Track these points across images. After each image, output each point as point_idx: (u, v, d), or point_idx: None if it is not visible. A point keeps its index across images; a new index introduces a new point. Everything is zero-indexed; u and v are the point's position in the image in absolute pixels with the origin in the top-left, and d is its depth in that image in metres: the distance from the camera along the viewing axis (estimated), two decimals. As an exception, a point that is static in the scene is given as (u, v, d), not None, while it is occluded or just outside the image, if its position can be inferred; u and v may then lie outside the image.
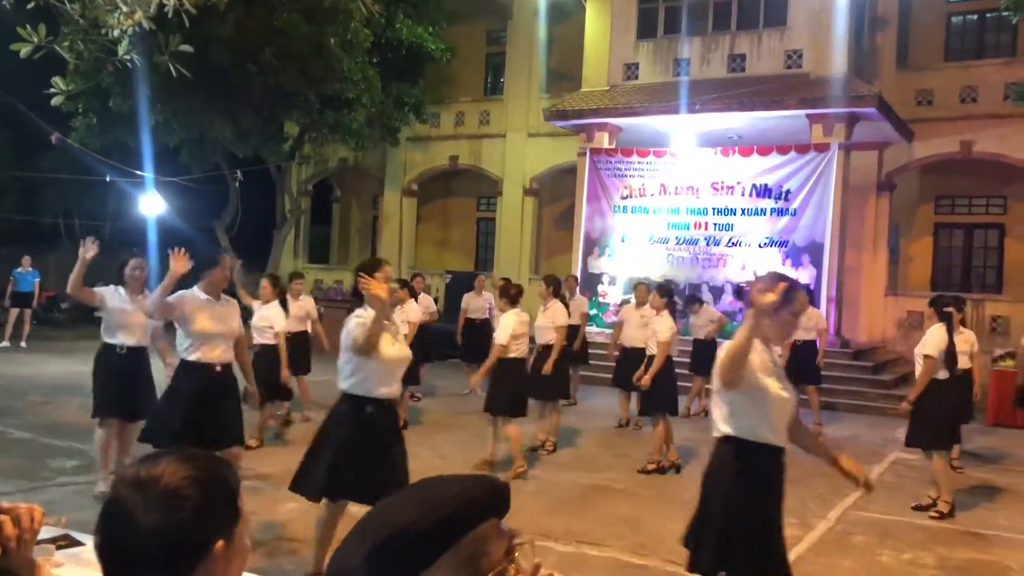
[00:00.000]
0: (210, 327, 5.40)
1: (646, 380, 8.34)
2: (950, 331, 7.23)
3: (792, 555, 6.00)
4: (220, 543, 1.21)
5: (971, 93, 16.03)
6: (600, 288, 16.15)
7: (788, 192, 14.77)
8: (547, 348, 9.02)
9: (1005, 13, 12.76)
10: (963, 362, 8.53)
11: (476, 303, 12.85)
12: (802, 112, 14.49)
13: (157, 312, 5.64)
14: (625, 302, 13.33)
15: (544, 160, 19.65)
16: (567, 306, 9.65)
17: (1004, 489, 8.35)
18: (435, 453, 8.68)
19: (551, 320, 9.04)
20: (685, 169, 15.71)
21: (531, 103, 19.68)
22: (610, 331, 12.66)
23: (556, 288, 9.31)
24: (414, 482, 1.14)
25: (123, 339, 6.41)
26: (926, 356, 7.10)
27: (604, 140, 16.43)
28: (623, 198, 16.20)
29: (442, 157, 21.29)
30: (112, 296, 6.44)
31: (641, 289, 10.74)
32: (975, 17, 17.12)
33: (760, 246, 14.97)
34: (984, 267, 17.42)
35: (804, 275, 14.25)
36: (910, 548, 6.31)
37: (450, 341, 12.89)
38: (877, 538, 6.54)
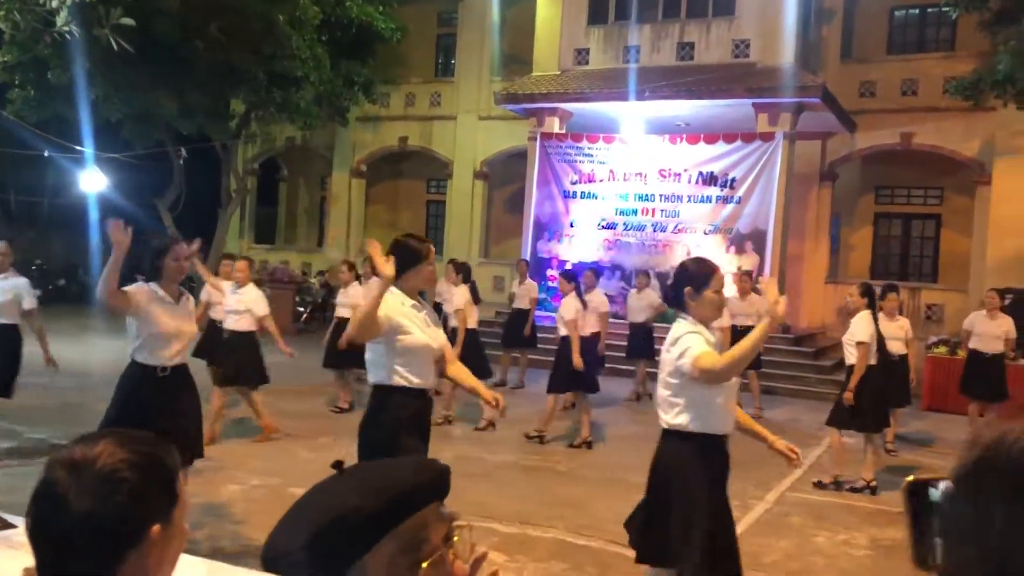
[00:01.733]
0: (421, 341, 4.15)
1: (577, 361, 8.59)
2: (875, 317, 7.48)
3: (730, 536, 6.15)
4: (156, 527, 1.20)
5: (912, 86, 16.41)
6: (549, 272, 16.22)
7: (733, 180, 14.97)
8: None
9: (946, 8, 13.07)
10: (898, 348, 8.81)
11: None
12: (749, 101, 14.68)
13: (372, 332, 3.97)
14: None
15: (495, 143, 19.63)
16: (476, 292, 10.00)
17: (934, 471, 8.62)
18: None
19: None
20: (634, 155, 15.83)
21: (482, 86, 19.62)
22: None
23: (466, 275, 9.68)
24: (353, 465, 1.14)
25: (168, 357, 4.82)
26: (859, 343, 7.30)
27: (555, 125, 16.47)
28: (573, 183, 16.28)
29: (392, 138, 21.14)
30: (152, 298, 4.75)
31: (588, 275, 10.90)
32: (917, 11, 17.49)
33: (705, 233, 15.18)
34: (921, 256, 17.89)
35: (748, 262, 14.50)
36: (844, 529, 6.50)
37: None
38: (813, 519, 6.72)
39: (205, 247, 19.32)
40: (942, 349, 12.70)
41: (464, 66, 20.25)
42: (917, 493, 0.87)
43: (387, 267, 3.83)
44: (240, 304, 8.08)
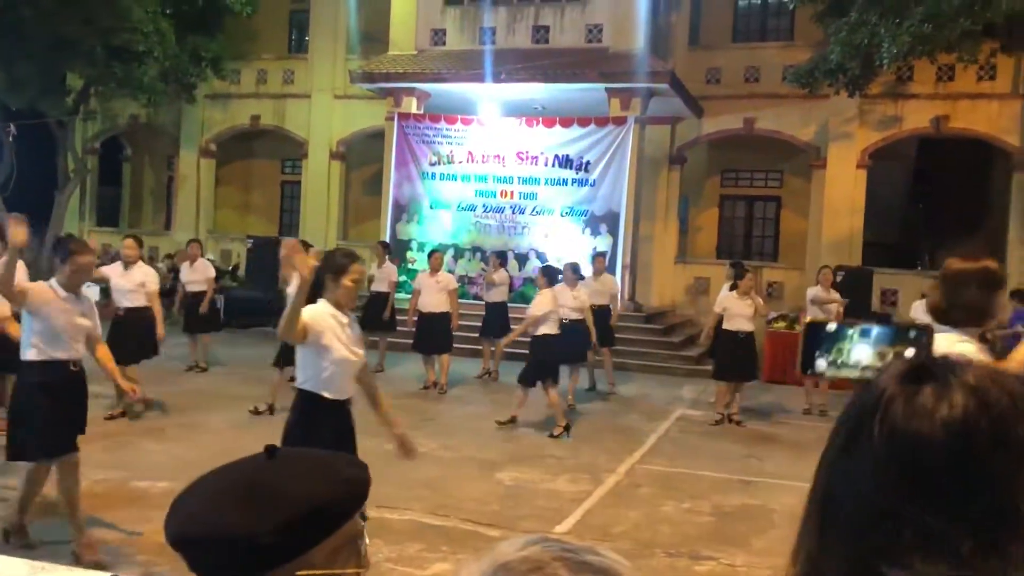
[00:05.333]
0: None
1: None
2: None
3: (582, 508, 6.35)
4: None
5: (754, 73, 17.18)
6: (409, 255, 16.14)
7: (588, 163, 15.31)
8: None
9: None
10: (744, 324, 9.39)
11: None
12: (601, 86, 15.01)
13: None
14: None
15: (351, 123, 19.28)
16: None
17: (774, 440, 9.16)
18: (228, 424, 8.45)
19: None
20: (492, 138, 15.92)
21: (337, 64, 19.21)
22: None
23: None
24: (287, 451, 1.07)
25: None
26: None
27: (412, 105, 16.34)
28: (432, 164, 16.22)
29: (243, 116, 20.42)
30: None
31: (436, 256, 10.99)
32: (759, 1, 18.31)
33: (562, 215, 15.48)
34: (763, 236, 18.86)
35: (602, 243, 14.90)
36: (690, 498, 6.81)
37: (251, 308, 12.48)
38: (661, 489, 7.01)
39: (43, 230, 18.19)
40: (781, 324, 13.46)
41: (318, 43, 19.75)
42: (811, 328, 1.38)
43: None
44: (132, 282, 8.44)
